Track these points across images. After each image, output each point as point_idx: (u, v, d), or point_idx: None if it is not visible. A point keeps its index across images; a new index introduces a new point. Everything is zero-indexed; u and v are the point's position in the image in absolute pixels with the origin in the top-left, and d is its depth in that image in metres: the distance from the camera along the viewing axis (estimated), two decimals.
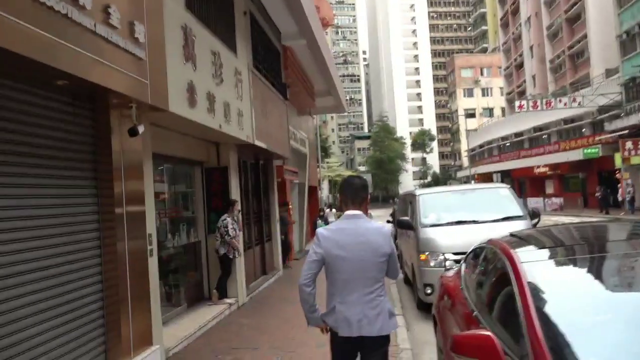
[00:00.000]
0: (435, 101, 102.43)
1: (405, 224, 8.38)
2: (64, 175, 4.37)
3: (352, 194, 3.15)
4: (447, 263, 7.32)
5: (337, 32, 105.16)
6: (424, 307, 7.69)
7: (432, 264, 7.50)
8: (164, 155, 7.11)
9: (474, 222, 7.79)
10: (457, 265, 5.34)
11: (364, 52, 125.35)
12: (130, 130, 4.85)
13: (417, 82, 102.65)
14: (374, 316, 2.98)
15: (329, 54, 16.30)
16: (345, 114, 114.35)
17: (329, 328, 3.11)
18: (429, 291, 7.37)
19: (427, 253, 7.61)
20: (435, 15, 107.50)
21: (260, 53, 10.35)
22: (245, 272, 9.26)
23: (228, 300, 8.32)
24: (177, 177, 8.56)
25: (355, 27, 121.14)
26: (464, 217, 7.96)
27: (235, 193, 8.94)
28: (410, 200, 9.32)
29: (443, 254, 7.43)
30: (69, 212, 4.40)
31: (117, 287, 4.77)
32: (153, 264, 5.63)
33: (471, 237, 6.34)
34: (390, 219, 18.47)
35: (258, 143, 9.27)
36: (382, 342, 3.04)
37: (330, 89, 19.22)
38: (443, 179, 79.41)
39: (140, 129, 4.92)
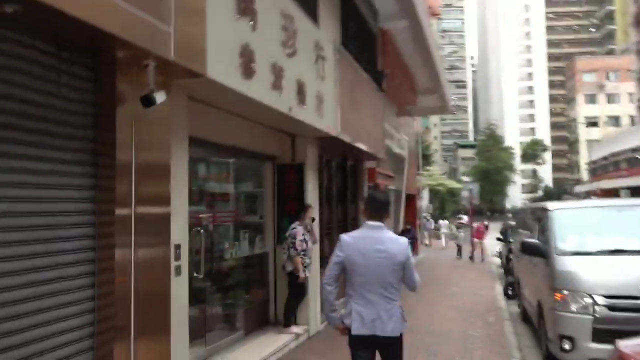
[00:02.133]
0: (550, 109, 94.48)
1: (533, 248, 6.21)
2: (46, 157, 3.02)
3: (375, 207, 3.45)
4: (598, 310, 5.14)
5: (443, 36, 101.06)
6: None
7: (572, 308, 5.31)
8: (216, 144, 5.67)
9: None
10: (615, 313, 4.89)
11: (472, 58, 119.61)
12: (143, 98, 3.40)
13: (530, 88, 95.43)
14: (387, 318, 3.26)
15: (434, 42, 14.26)
16: (450, 120, 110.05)
17: (347, 330, 3.33)
18: (567, 347, 5.22)
19: (565, 292, 5.42)
20: (553, 16, 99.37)
21: (350, 31, 8.69)
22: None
23: (296, 329, 6.71)
24: (240, 174, 7.11)
25: (463, 31, 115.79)
26: (621, 244, 5.67)
27: (311, 196, 7.34)
28: (539, 216, 7.08)
29: (590, 295, 5.22)
30: (48, 211, 3.03)
31: (115, 316, 3.33)
32: (180, 285, 4.16)
33: (636, 274, 5.22)
34: (500, 236, 15.93)
35: (343, 137, 7.60)
36: (394, 342, 3.32)
37: (435, 85, 17.08)
38: (557, 193, 72.42)
39: (159, 97, 3.45)
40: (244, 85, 4.53)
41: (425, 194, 48.76)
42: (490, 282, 13.39)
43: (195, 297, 5.02)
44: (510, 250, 13.33)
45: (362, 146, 8.80)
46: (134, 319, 3.43)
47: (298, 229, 6.66)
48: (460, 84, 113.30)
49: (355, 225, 10.71)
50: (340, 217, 9.82)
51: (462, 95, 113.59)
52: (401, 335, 3.34)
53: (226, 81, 4.22)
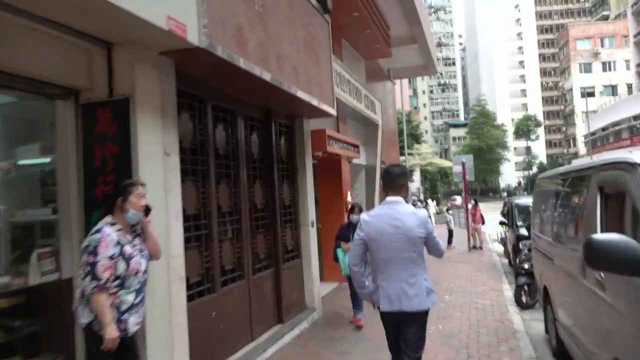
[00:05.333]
0: (542, 83, 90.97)
1: (623, 255, 2.59)
2: None
3: (390, 181, 3.48)
4: None
5: (430, 13, 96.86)
6: None
7: None
8: None
9: None
10: None
11: (460, 37, 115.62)
12: None
13: (521, 62, 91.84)
14: (413, 293, 3.29)
15: None
16: (440, 99, 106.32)
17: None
18: None
19: None
20: None
21: None
22: (220, 333, 4.06)
23: None
24: (8, 127, 3.47)
25: (450, 7, 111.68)
26: None
27: (152, 165, 3.72)
28: (615, 181, 3.39)
29: None
30: None
31: None
32: None
33: None
34: (504, 219, 12.42)
35: (216, 51, 3.94)
36: (420, 316, 3.35)
37: (415, 31, 13.44)
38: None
39: None
40: None
41: (416, 176, 45.50)
42: (494, 281, 9.88)
43: None
44: (519, 238, 9.82)
45: (281, 84, 5.19)
46: None
47: (105, 233, 3.07)
48: (449, 62, 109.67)
49: (294, 215, 7.13)
50: (262, 205, 6.23)
51: (451, 73, 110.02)
52: (427, 310, 3.36)
53: None
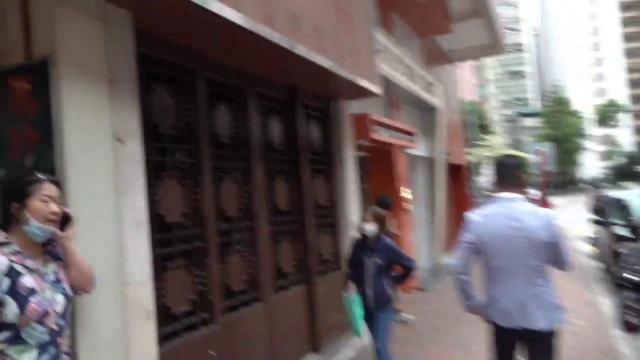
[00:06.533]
0: (628, 65, 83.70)
1: None
2: None
3: (504, 175, 2.97)
4: None
5: None
6: None
7: None
8: None
9: None
10: None
11: (530, 21, 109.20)
12: None
13: (596, 44, 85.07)
14: (536, 307, 2.76)
15: None
16: (509, 87, 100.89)
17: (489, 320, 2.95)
18: None
19: None
20: None
21: None
22: None
23: None
24: None
25: None
26: None
27: (86, 156, 2.60)
28: None
29: None
30: None
31: None
32: None
33: None
34: (596, 216, 10.45)
35: None
36: (545, 337, 2.79)
37: (480, 5, 11.75)
38: None
39: None
40: None
41: (486, 169, 42.65)
42: (586, 291, 8.11)
43: None
44: (618, 240, 7.98)
45: (293, 47, 3.95)
46: None
47: None
48: (518, 48, 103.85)
49: (332, 217, 5.88)
50: (287, 204, 5.02)
51: (519, 60, 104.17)
52: (555, 329, 2.81)
53: None
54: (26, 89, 2.55)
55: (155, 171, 3.30)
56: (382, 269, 4.11)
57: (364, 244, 4.22)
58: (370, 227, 4.14)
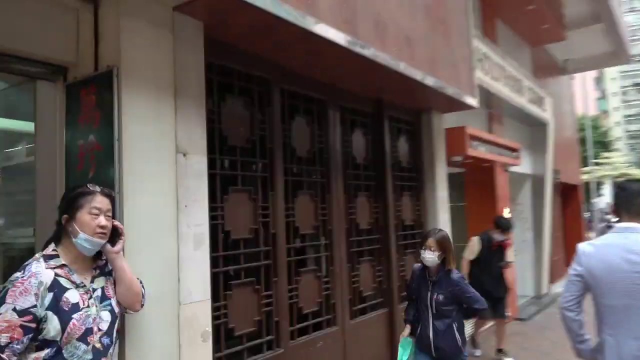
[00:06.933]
0: None
1: None
2: None
3: (626, 201, 2.55)
4: None
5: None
6: None
7: None
8: None
9: None
10: None
11: None
12: None
13: None
14: None
15: None
16: (636, 102, 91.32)
17: None
18: None
19: None
20: None
21: None
22: None
23: None
24: None
25: None
26: None
27: (147, 169, 2.53)
28: None
29: None
30: None
31: None
32: None
33: None
34: None
35: None
36: None
37: (600, 9, 10.63)
38: None
39: None
40: None
41: (607, 190, 38.80)
42: None
43: None
44: None
45: (376, 57, 3.68)
46: None
47: (27, 273, 1.95)
48: None
49: (419, 237, 5.47)
50: (368, 222, 4.73)
51: None
52: None
53: None
54: (92, 101, 2.54)
55: (223, 185, 3.19)
56: (446, 308, 3.40)
57: (425, 275, 3.55)
58: (430, 255, 3.40)
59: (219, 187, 3.14)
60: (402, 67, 4.04)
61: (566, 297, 2.60)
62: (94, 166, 2.51)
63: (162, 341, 2.51)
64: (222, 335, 3.07)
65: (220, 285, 3.09)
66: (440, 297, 3.38)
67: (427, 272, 3.50)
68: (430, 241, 3.42)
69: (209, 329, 2.78)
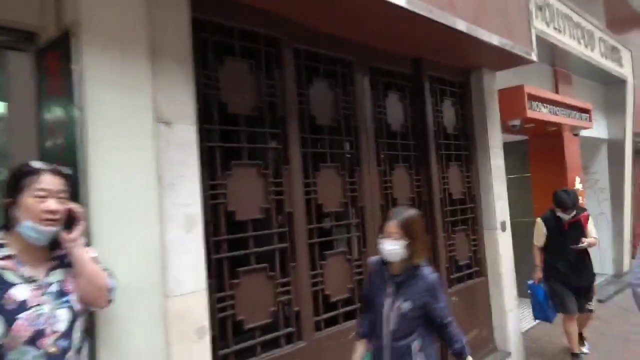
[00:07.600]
0: None
1: None
2: None
3: None
4: None
5: None
6: None
7: None
8: None
9: None
10: None
11: None
12: None
13: None
14: None
15: None
16: None
17: None
18: None
19: None
20: None
21: None
22: None
23: None
24: None
25: None
26: None
27: (117, 144, 2.17)
28: None
29: None
30: None
31: None
32: None
33: None
34: None
35: None
36: None
37: None
38: None
39: None
40: None
41: None
42: None
43: None
44: None
45: (414, 5, 3.13)
46: None
47: None
48: None
49: (474, 211, 4.91)
50: (408, 197, 4.22)
51: None
52: None
53: None
54: (56, 67, 2.22)
55: (226, 160, 2.81)
56: (411, 322, 2.36)
57: (384, 274, 2.49)
58: (392, 246, 2.35)
59: (219, 162, 2.76)
60: (442, 16, 3.45)
61: (637, 273, 2.43)
62: (62, 141, 2.20)
63: (145, 340, 2.19)
64: (228, 329, 2.72)
65: (225, 273, 2.73)
66: (406, 305, 2.36)
67: (388, 270, 2.48)
68: (391, 225, 2.36)
69: (207, 323, 2.43)
